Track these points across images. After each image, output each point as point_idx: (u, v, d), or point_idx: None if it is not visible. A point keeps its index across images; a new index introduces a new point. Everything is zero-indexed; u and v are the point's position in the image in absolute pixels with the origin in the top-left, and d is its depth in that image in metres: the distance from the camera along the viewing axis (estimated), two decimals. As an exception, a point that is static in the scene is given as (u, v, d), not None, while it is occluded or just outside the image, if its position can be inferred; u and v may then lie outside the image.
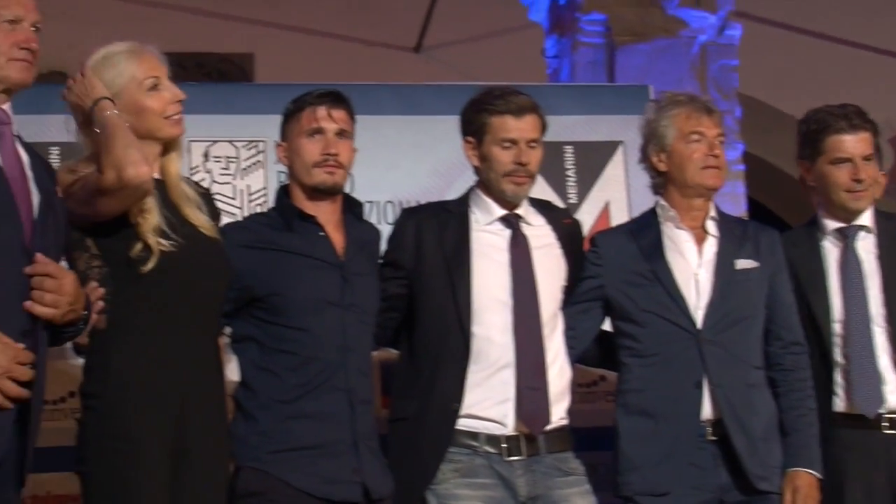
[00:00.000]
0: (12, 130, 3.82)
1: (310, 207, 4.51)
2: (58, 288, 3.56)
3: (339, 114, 4.54)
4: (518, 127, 4.61)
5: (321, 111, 4.52)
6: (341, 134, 4.52)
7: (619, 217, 6.49)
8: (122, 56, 4.14)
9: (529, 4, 8.49)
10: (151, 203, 4.01)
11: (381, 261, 4.75)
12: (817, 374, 4.83)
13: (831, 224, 4.98)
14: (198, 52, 10.04)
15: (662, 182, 4.89)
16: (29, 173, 3.82)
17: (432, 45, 11.01)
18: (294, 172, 4.60)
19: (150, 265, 3.97)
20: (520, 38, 9.39)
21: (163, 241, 4.00)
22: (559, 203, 6.12)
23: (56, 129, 5.36)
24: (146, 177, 3.85)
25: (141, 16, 10.42)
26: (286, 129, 4.63)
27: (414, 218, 4.78)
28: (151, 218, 4.00)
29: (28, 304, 3.51)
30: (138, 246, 3.98)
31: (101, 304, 3.93)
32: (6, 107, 3.82)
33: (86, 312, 3.81)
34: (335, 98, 4.57)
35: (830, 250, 4.98)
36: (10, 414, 3.50)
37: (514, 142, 4.61)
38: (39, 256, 3.54)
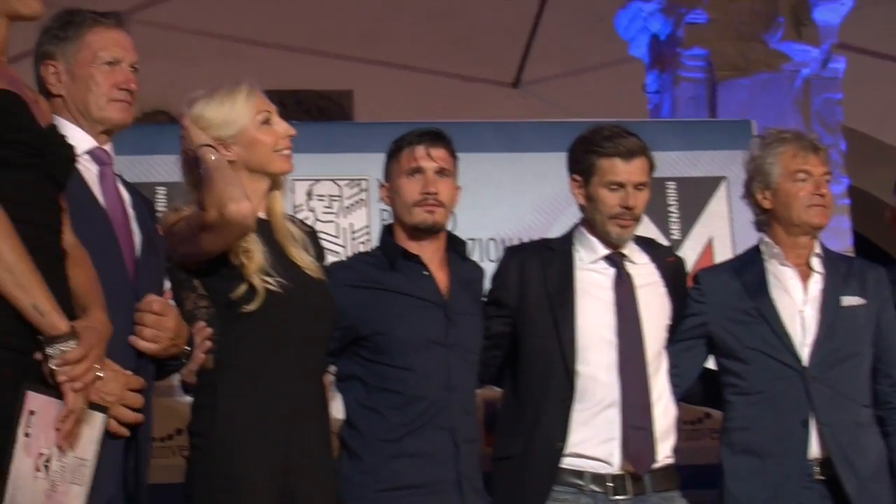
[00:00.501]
0: (113, 170, 3.90)
1: (413, 247, 4.53)
2: (158, 324, 3.61)
3: (438, 152, 4.56)
4: (626, 170, 4.59)
5: (420, 150, 4.54)
6: (441, 172, 4.54)
7: (722, 253, 6.47)
8: (237, 92, 4.19)
9: (630, 40, 8.49)
10: (255, 243, 4.05)
11: (484, 299, 4.75)
12: None
13: None
14: (297, 90, 10.12)
15: (766, 219, 4.86)
16: (131, 212, 3.87)
17: (531, 80, 11.04)
18: (396, 212, 4.62)
19: (254, 305, 4.00)
20: (619, 72, 9.38)
21: (269, 280, 4.03)
22: (662, 239, 6.12)
23: (162, 168, 5.44)
24: (247, 212, 3.87)
25: (240, 54, 10.53)
26: (388, 169, 4.66)
27: (517, 256, 4.77)
28: (255, 258, 4.03)
29: (132, 338, 3.58)
30: (243, 286, 4.01)
31: (208, 343, 3.99)
32: (108, 147, 3.90)
33: (188, 349, 3.87)
34: (434, 137, 4.59)
35: None
36: (119, 449, 3.55)
37: (621, 185, 4.59)
38: (150, 295, 3.60)
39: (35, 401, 3.17)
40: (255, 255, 4.04)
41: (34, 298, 3.14)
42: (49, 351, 3.18)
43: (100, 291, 3.46)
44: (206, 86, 8.00)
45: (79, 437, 3.30)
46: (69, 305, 3.29)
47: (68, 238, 3.44)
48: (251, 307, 4.01)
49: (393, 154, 4.63)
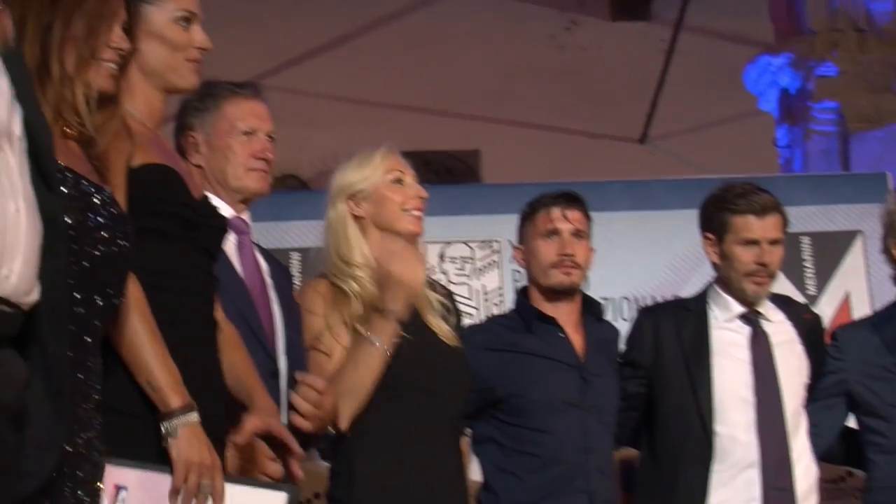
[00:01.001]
0: (251, 239, 3.96)
1: (548, 308, 4.53)
2: (319, 403, 3.65)
3: (574, 214, 4.57)
4: (761, 227, 4.56)
5: (556, 212, 4.54)
6: (577, 234, 4.54)
7: (859, 309, 6.43)
8: (375, 151, 4.24)
9: (759, 94, 8.47)
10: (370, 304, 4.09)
11: (619, 360, 4.73)
12: None
13: None
14: (425, 151, 10.23)
15: None
16: (268, 281, 3.94)
17: (658, 135, 11.02)
18: (531, 274, 4.63)
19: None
20: (748, 126, 9.34)
21: (402, 338, 4.01)
22: (798, 296, 6.08)
23: (295, 234, 5.50)
24: (344, 426, 3.94)
25: (367, 116, 10.64)
26: (523, 231, 4.67)
27: (651, 316, 4.76)
28: (364, 322, 4.06)
29: (291, 416, 3.62)
30: None
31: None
32: (245, 216, 3.96)
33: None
34: (570, 199, 4.60)
35: None
36: None
37: (756, 242, 4.56)
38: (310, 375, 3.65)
39: (122, 475, 3.17)
40: (367, 314, 4.07)
41: (149, 375, 3.18)
42: (164, 425, 3.18)
43: (256, 372, 3.51)
44: (333, 149, 8.11)
45: None
46: (219, 372, 3.36)
47: (219, 313, 3.50)
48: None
49: (528, 216, 4.65)
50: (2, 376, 2.65)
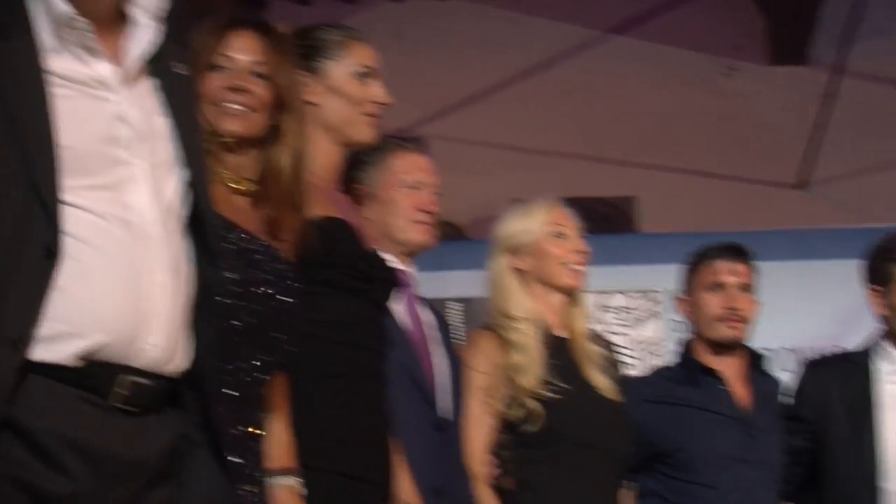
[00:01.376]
0: (414, 292, 4.01)
1: (712, 361, 4.52)
2: None
3: (740, 267, 4.56)
4: None
5: (722, 265, 4.54)
6: (744, 288, 4.53)
7: None
8: (538, 203, 4.27)
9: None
10: (531, 360, 4.11)
11: (785, 413, 4.68)
12: None
13: None
14: (580, 197, 10.24)
15: None
16: (434, 335, 3.98)
17: (817, 180, 10.94)
18: (696, 326, 4.62)
19: (536, 427, 4.05)
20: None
21: (545, 395, 4.07)
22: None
23: (454, 284, 5.53)
24: None
25: (524, 163, 10.68)
26: (686, 282, 4.67)
27: (816, 370, 4.73)
28: (527, 377, 4.09)
29: None
30: (523, 410, 4.08)
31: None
32: (409, 269, 4.01)
33: None
34: (736, 251, 4.60)
35: None
36: None
37: None
38: None
39: None
40: (530, 371, 4.10)
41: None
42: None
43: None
44: (490, 196, 8.12)
45: None
46: (386, 426, 3.43)
47: None
48: (530, 429, 4.06)
49: (693, 267, 4.65)
50: (143, 440, 2.69)
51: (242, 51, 3.14)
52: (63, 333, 2.54)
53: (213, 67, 3.11)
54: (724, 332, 4.50)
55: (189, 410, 2.81)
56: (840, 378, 4.61)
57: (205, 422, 2.81)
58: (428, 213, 4.01)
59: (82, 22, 2.68)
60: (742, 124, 11.36)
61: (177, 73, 2.84)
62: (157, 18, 2.79)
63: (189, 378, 2.79)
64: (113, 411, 2.64)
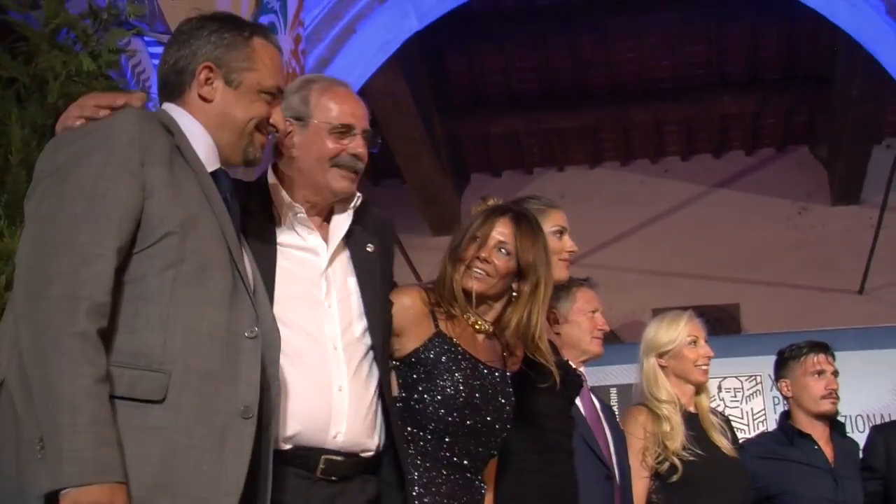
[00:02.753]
0: (587, 387, 3.95)
1: (807, 427, 4.42)
2: None
3: (831, 359, 4.46)
4: None
5: (822, 357, 4.47)
6: (835, 374, 4.46)
7: None
8: (680, 318, 4.25)
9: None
10: (677, 429, 4.04)
11: (860, 465, 4.55)
12: None
13: None
14: (697, 305, 10.15)
15: None
16: (601, 415, 3.96)
17: (873, 287, 10.68)
18: (799, 401, 4.49)
19: (675, 478, 3.98)
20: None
21: (685, 456, 3.99)
22: None
23: (613, 375, 5.49)
24: None
25: (656, 282, 10.60)
26: (790, 369, 4.54)
27: (882, 432, 4.61)
28: (675, 440, 4.02)
29: None
30: (667, 463, 4.01)
31: None
32: (584, 370, 3.97)
33: None
34: (827, 347, 4.53)
35: None
36: None
37: None
38: None
39: None
40: (676, 437, 4.03)
41: None
42: None
43: None
44: (633, 307, 8.05)
45: None
46: (576, 491, 3.38)
47: None
48: (677, 478, 3.98)
49: (797, 358, 4.52)
50: (342, 500, 2.71)
51: (496, 230, 3.06)
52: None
53: (474, 239, 3.06)
54: (827, 407, 4.43)
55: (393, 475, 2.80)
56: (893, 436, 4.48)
57: (399, 481, 2.80)
58: (601, 331, 4.01)
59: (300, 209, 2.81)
60: (815, 249, 11.18)
61: (368, 251, 2.90)
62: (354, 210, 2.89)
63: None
64: (318, 481, 2.68)
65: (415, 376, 2.93)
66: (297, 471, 2.63)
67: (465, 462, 2.95)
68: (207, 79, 2.52)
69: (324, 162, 2.80)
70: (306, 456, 2.65)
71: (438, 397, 2.91)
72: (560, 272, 3.56)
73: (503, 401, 3.03)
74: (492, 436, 3.00)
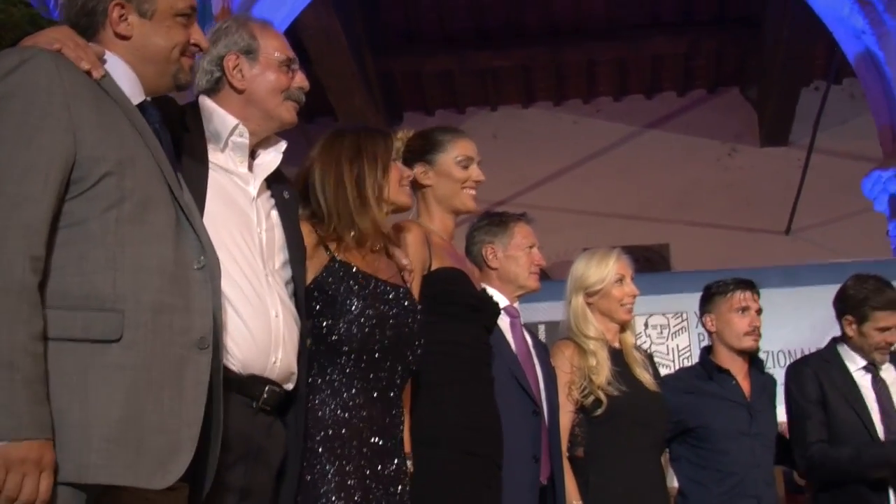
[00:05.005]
0: (520, 322, 3.95)
1: (726, 362, 4.45)
2: None
3: (756, 297, 4.49)
4: (892, 319, 4.44)
5: (746, 294, 4.45)
6: (758, 312, 4.48)
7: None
8: (609, 255, 4.25)
9: (873, 199, 8.21)
10: (602, 364, 4.06)
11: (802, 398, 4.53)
12: None
13: None
14: (628, 245, 10.24)
15: None
16: (532, 352, 3.95)
17: (799, 228, 10.85)
18: (722, 336, 4.49)
19: (602, 410, 3.99)
20: (866, 222, 9.10)
21: (611, 391, 4.00)
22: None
23: (542, 312, 5.50)
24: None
25: (587, 222, 10.70)
26: (715, 305, 4.53)
27: (808, 365, 4.58)
28: (601, 375, 4.03)
29: None
30: (592, 398, 4.01)
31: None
32: (517, 305, 3.97)
33: None
34: (753, 285, 4.52)
35: None
36: None
37: (888, 329, 4.43)
38: None
39: None
40: (601, 372, 4.04)
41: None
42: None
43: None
44: (564, 246, 8.07)
45: None
46: (497, 414, 3.38)
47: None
48: (601, 412, 4.00)
49: (722, 295, 4.50)
50: (273, 438, 2.73)
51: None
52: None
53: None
54: (749, 343, 4.43)
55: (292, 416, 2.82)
56: (820, 369, 4.51)
57: (296, 423, 2.81)
58: (539, 265, 4.01)
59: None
60: (743, 190, 11.31)
61: (285, 196, 2.93)
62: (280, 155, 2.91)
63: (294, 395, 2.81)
64: (258, 412, 2.71)
65: (317, 306, 2.94)
66: (242, 399, 2.64)
67: (384, 381, 2.97)
68: (121, 16, 2.48)
69: (277, 94, 2.84)
70: (252, 384, 2.67)
71: (348, 318, 2.93)
72: (467, 202, 3.58)
73: (411, 314, 3.04)
74: (407, 349, 3.02)
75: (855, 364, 4.51)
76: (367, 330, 2.94)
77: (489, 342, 3.51)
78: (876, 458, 4.29)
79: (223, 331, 2.52)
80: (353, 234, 3.02)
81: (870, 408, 4.41)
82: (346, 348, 2.93)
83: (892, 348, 4.52)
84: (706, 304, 4.55)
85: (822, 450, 4.35)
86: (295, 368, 2.77)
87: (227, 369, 2.55)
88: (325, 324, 2.93)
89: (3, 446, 2.07)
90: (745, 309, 4.44)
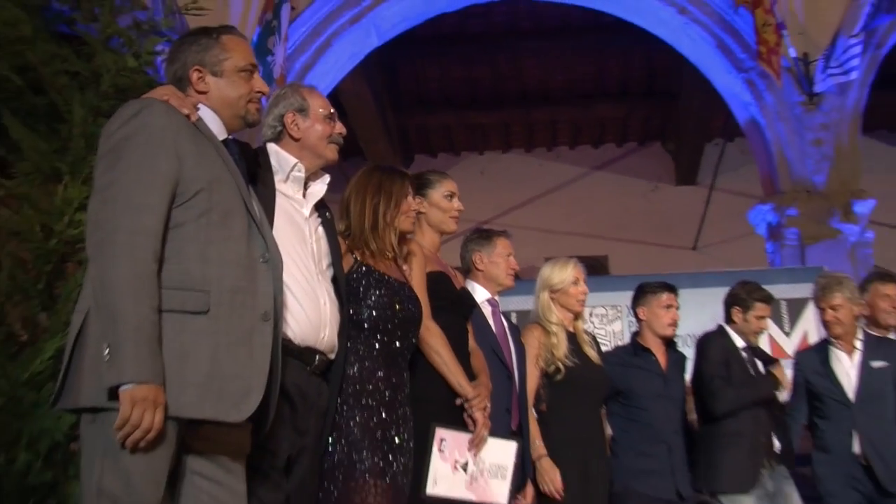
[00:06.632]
0: (499, 310, 3.90)
1: (650, 343, 4.40)
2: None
3: (676, 297, 4.43)
4: (766, 310, 4.46)
5: (670, 295, 4.41)
6: (677, 308, 4.44)
7: (813, 339, 6.24)
8: (568, 263, 4.19)
9: (756, 225, 8.26)
10: (561, 342, 4.02)
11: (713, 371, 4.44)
12: None
13: None
14: (578, 255, 10.19)
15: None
16: (508, 334, 3.85)
17: (704, 245, 10.85)
18: (650, 325, 4.43)
19: (560, 377, 3.98)
20: (750, 242, 9.10)
21: (567, 362, 4.00)
22: (780, 334, 5.93)
23: (513, 304, 5.45)
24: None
25: (547, 239, 10.63)
26: (646, 301, 4.45)
27: (710, 339, 4.54)
28: (560, 350, 4.01)
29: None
30: (553, 366, 4.00)
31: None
32: (496, 297, 3.88)
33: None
34: (674, 289, 4.47)
35: None
36: None
37: (764, 317, 4.47)
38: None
39: (443, 433, 3.11)
40: (560, 348, 4.02)
41: (458, 378, 3.16)
42: (467, 404, 3.16)
43: (486, 369, 3.42)
44: (531, 255, 8.00)
45: (495, 451, 3.23)
46: (471, 373, 3.29)
47: (472, 343, 3.46)
48: (560, 378, 3.99)
49: (652, 294, 4.43)
50: (321, 393, 2.70)
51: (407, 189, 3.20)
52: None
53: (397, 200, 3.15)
54: (670, 332, 4.41)
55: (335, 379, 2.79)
56: (721, 346, 4.47)
57: (336, 384, 2.80)
58: (514, 269, 3.93)
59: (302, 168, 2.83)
60: (663, 217, 11.30)
61: (327, 216, 2.93)
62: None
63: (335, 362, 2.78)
64: (311, 374, 2.69)
65: (346, 297, 2.92)
66: (299, 364, 2.63)
67: (396, 346, 2.97)
68: (199, 77, 2.50)
69: (323, 139, 2.86)
70: (306, 352, 2.66)
71: (368, 304, 2.94)
72: (450, 225, 3.53)
73: (413, 301, 3.05)
74: (413, 325, 3.03)
75: (739, 343, 4.48)
76: (381, 313, 2.94)
77: (467, 327, 3.46)
78: (752, 392, 4.32)
79: (286, 312, 2.52)
80: (371, 246, 3.03)
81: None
82: (366, 326, 2.93)
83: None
84: (640, 299, 4.50)
85: (722, 387, 4.34)
86: (336, 342, 2.77)
87: (288, 341, 2.56)
88: (351, 310, 2.92)
89: (131, 388, 2.10)
90: (669, 306, 4.40)
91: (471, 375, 3.28)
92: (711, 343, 4.51)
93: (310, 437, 2.68)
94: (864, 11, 7.67)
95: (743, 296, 4.49)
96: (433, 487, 3.06)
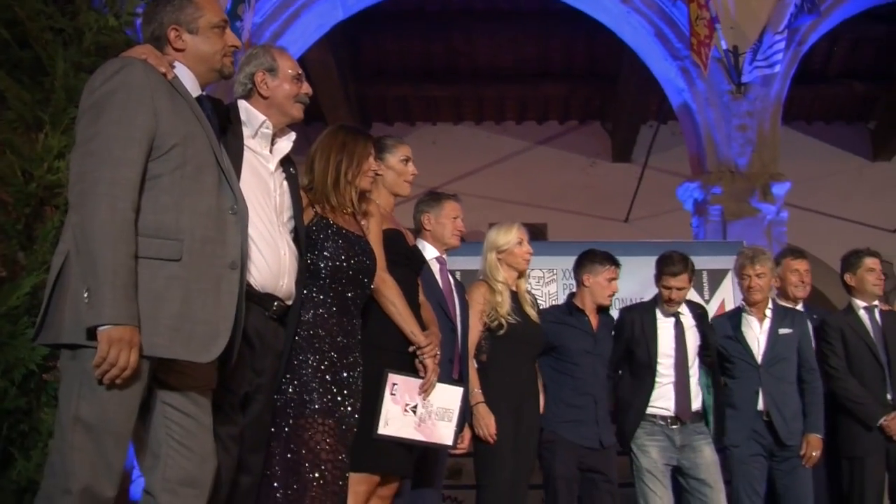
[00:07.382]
0: (446, 268, 3.90)
1: (584, 305, 4.40)
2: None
3: (617, 269, 4.45)
4: (679, 281, 4.40)
5: (615, 269, 4.40)
6: (616, 278, 4.41)
7: (729, 307, 6.33)
8: (513, 227, 4.19)
9: (684, 201, 8.34)
10: (505, 300, 4.03)
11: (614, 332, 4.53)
12: None
13: None
14: (523, 223, 10.23)
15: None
16: (453, 289, 3.86)
17: (635, 218, 10.91)
18: (592, 292, 4.38)
19: (502, 332, 3.99)
20: (678, 217, 9.09)
21: (510, 319, 4.01)
22: (699, 300, 6.01)
23: (459, 263, 5.41)
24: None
25: (492, 205, 10.51)
26: (592, 270, 4.41)
27: (630, 312, 4.57)
28: (503, 307, 4.02)
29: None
30: (496, 322, 4.01)
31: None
32: (444, 255, 3.88)
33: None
34: (617, 262, 4.46)
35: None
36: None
37: (680, 288, 4.40)
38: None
39: (395, 378, 3.11)
40: (504, 305, 4.03)
41: (411, 327, 3.19)
42: (419, 351, 3.19)
43: (435, 321, 3.46)
44: (477, 220, 7.99)
45: (442, 396, 3.25)
46: (422, 324, 3.31)
47: (422, 297, 3.48)
48: (502, 332, 4.01)
49: (601, 265, 4.40)
50: (277, 337, 2.71)
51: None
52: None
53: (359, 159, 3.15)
54: (608, 302, 4.43)
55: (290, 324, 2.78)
56: (640, 314, 4.50)
57: (291, 328, 2.79)
58: (460, 231, 3.94)
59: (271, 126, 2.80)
60: (599, 190, 11.35)
61: (291, 171, 2.91)
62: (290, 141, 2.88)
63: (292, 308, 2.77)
64: (269, 319, 2.69)
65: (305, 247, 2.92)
66: (259, 309, 2.63)
67: (349, 295, 2.96)
68: (176, 36, 2.48)
69: (291, 98, 2.83)
70: (266, 298, 2.66)
71: (325, 255, 2.93)
72: (404, 188, 3.52)
73: (368, 254, 3.05)
74: (366, 276, 3.02)
75: (662, 313, 4.47)
76: (337, 264, 2.94)
77: (418, 281, 3.47)
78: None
79: (248, 260, 2.53)
80: (332, 201, 3.02)
81: (664, 343, 4.38)
82: (322, 275, 2.93)
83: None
84: (587, 267, 4.44)
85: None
86: (294, 290, 2.77)
87: (250, 287, 2.56)
88: (309, 259, 2.92)
89: (109, 329, 2.11)
90: (612, 279, 4.41)
91: (422, 325, 3.30)
92: (626, 315, 4.55)
93: (266, 376, 2.69)
94: (788, 11, 7.78)
95: (662, 266, 4.48)
96: (384, 428, 3.07)
